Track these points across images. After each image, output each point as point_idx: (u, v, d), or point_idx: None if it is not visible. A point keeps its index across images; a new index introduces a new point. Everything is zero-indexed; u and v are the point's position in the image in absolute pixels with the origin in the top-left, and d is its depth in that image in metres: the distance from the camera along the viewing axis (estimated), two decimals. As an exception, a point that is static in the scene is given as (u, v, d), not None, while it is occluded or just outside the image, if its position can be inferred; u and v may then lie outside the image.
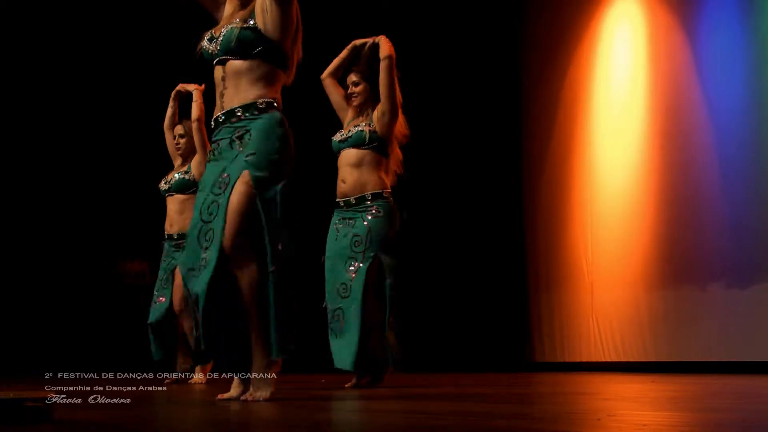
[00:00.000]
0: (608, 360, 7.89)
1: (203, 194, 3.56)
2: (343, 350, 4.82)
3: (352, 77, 5.09)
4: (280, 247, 3.48)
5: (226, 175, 3.51)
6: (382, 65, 4.91)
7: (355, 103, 5.08)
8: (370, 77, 5.04)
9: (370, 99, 5.04)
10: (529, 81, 9.27)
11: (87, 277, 8.17)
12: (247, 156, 3.50)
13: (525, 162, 9.26)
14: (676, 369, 7.03)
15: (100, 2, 8.30)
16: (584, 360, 8.21)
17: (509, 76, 9.36)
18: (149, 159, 7.81)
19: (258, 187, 3.47)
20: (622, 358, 7.72)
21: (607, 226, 8.07)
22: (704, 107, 7.12)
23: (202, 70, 3.88)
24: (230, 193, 3.45)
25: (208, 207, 3.49)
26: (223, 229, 3.42)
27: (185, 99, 6.09)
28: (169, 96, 6.19)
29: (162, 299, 5.98)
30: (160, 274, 6.06)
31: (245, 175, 3.47)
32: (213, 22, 3.85)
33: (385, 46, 4.95)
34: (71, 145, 8.31)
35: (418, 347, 8.29)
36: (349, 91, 5.09)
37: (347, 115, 5.15)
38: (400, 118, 5.04)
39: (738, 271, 6.74)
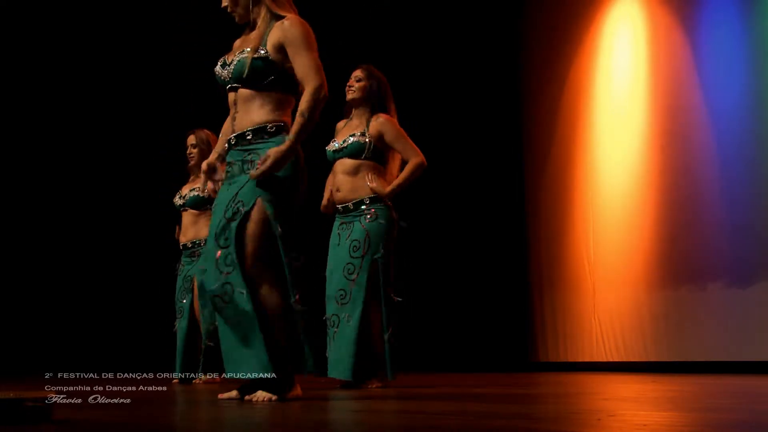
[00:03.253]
0: (609, 360, 7.90)
1: (217, 218, 3.61)
2: (339, 359, 4.75)
3: (357, 73, 4.99)
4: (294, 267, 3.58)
5: (239, 200, 3.55)
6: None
7: (348, 96, 4.99)
8: (374, 79, 4.98)
9: (366, 101, 4.97)
10: (530, 82, 9.28)
11: (87, 277, 8.17)
12: (259, 183, 3.53)
13: (527, 163, 9.27)
14: (677, 369, 7.03)
15: (124, 15, 8.35)
16: (586, 360, 8.21)
17: (510, 77, 9.36)
18: (156, 167, 7.85)
19: (272, 212, 3.52)
20: (624, 358, 7.72)
21: (609, 227, 8.07)
22: (705, 107, 7.12)
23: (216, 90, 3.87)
24: (247, 221, 3.52)
25: (224, 233, 3.55)
26: (243, 256, 3.49)
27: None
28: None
29: (182, 310, 6.02)
30: (178, 283, 6.09)
31: (260, 202, 3.53)
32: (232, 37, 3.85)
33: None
34: (77, 146, 8.31)
35: (418, 347, 8.33)
36: (348, 83, 5.01)
37: (339, 126, 5.11)
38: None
39: (738, 272, 6.73)
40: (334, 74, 5.21)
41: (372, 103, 4.97)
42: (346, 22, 8.38)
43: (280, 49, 3.59)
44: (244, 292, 3.48)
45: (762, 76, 6.69)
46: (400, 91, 5.06)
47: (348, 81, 5.03)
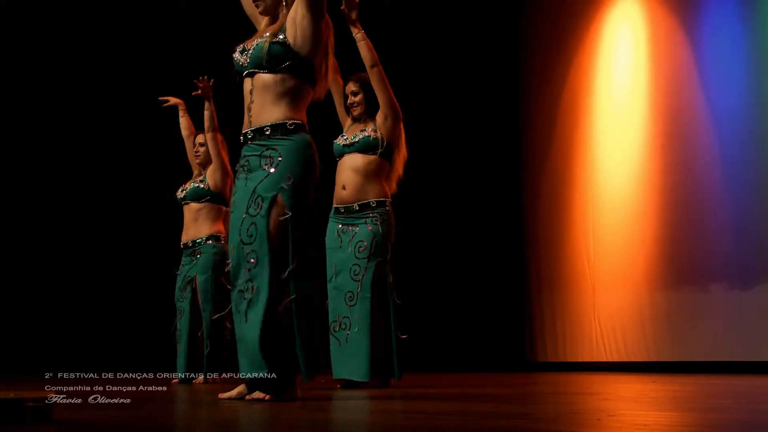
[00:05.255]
0: (609, 360, 7.90)
1: (238, 214, 3.61)
2: (353, 360, 4.77)
3: (351, 87, 5.03)
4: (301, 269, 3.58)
5: (258, 195, 3.57)
6: (372, 73, 4.84)
7: (355, 114, 5.04)
8: (368, 87, 5.00)
9: (369, 109, 5.00)
10: (529, 82, 9.28)
11: (87, 277, 8.17)
12: (278, 179, 3.56)
13: (526, 162, 9.27)
14: (678, 369, 7.03)
15: (128, 15, 8.36)
16: (586, 360, 8.21)
17: (510, 77, 9.36)
18: (157, 167, 7.84)
19: (291, 210, 3.54)
20: (624, 359, 7.72)
21: (609, 227, 8.07)
22: (705, 108, 7.12)
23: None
24: (268, 219, 3.53)
25: (247, 229, 3.56)
26: (269, 252, 3.50)
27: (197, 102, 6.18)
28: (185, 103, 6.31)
29: (182, 310, 6.03)
30: (178, 282, 6.10)
31: (279, 200, 3.55)
32: (244, 34, 3.87)
33: (367, 54, 4.84)
34: (77, 147, 8.31)
35: (419, 347, 8.33)
36: (348, 102, 5.05)
37: (345, 118, 5.14)
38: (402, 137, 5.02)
39: (740, 272, 6.73)
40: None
41: (372, 108, 5.00)
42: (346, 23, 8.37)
43: (294, 16, 3.63)
44: (265, 290, 3.48)
45: (763, 76, 6.69)
46: (400, 92, 5.06)
47: (346, 94, 5.06)
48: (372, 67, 4.85)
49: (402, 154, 5.03)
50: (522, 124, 9.34)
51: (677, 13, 7.50)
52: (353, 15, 4.92)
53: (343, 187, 4.95)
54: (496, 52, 9.31)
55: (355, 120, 5.07)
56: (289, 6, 3.72)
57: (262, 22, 3.86)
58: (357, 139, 4.93)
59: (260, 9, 3.79)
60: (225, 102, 5.94)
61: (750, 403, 3.39)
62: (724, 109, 6.95)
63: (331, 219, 5.02)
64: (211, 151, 6.01)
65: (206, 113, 6.00)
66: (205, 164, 6.16)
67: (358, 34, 4.89)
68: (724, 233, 6.86)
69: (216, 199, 6.03)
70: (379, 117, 4.94)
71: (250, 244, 3.53)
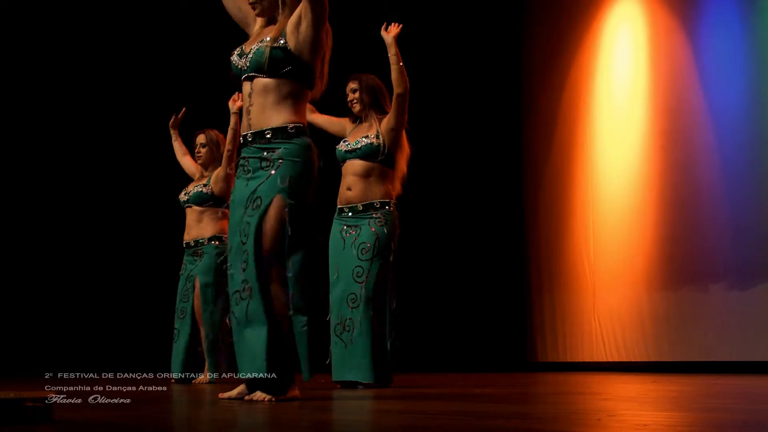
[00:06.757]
0: (609, 360, 7.90)
1: (238, 213, 3.63)
2: (358, 362, 4.77)
3: (351, 85, 5.06)
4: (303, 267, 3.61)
5: (257, 196, 3.58)
6: (397, 100, 4.87)
7: (355, 111, 5.06)
8: (368, 86, 5.01)
9: (369, 106, 5.02)
10: (530, 82, 9.28)
11: (87, 277, 8.17)
12: (278, 180, 3.57)
13: (526, 163, 9.27)
14: (678, 369, 7.03)
15: (132, 17, 8.36)
16: (586, 360, 8.21)
17: (511, 78, 9.36)
18: (158, 167, 7.84)
19: (290, 211, 3.55)
20: (624, 358, 7.72)
21: (609, 227, 8.07)
22: (705, 108, 7.12)
23: (231, 82, 3.89)
24: (264, 217, 3.54)
25: (244, 229, 3.57)
26: (258, 251, 3.51)
27: (198, 112, 6.19)
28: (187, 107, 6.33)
29: (184, 310, 6.03)
30: (181, 282, 6.10)
31: (279, 199, 3.55)
32: (243, 37, 3.87)
33: (399, 79, 4.87)
34: (78, 147, 8.30)
35: (418, 347, 8.33)
36: (349, 98, 5.07)
37: (345, 125, 5.13)
38: (404, 141, 5.03)
39: (739, 272, 6.73)
40: (335, 75, 5.23)
41: (375, 107, 5.03)
42: (346, 24, 8.37)
43: (297, 24, 3.63)
44: (257, 289, 3.49)
45: (762, 76, 6.69)
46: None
47: (345, 92, 5.09)
48: (399, 94, 4.86)
49: (405, 153, 5.04)
50: (523, 124, 9.34)
51: (677, 13, 7.50)
52: (392, 36, 4.95)
53: (349, 189, 4.97)
54: (497, 52, 9.31)
55: (357, 119, 5.07)
56: (287, 8, 3.71)
57: (255, 24, 3.84)
58: (359, 146, 4.94)
59: (257, 11, 3.78)
60: (221, 103, 5.96)
61: (750, 403, 3.39)
62: (724, 109, 6.95)
63: (335, 220, 5.03)
64: (225, 159, 5.99)
65: (231, 132, 5.89)
66: (207, 165, 6.16)
67: (394, 56, 4.93)
68: (724, 233, 6.86)
69: (218, 203, 6.05)
70: (385, 125, 4.94)
71: (245, 244, 3.55)
